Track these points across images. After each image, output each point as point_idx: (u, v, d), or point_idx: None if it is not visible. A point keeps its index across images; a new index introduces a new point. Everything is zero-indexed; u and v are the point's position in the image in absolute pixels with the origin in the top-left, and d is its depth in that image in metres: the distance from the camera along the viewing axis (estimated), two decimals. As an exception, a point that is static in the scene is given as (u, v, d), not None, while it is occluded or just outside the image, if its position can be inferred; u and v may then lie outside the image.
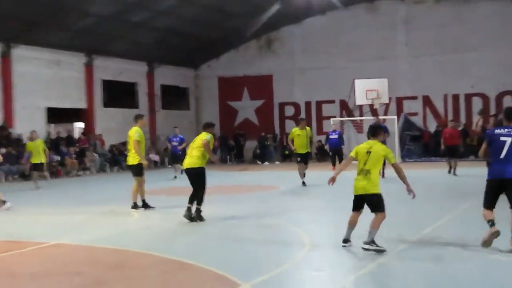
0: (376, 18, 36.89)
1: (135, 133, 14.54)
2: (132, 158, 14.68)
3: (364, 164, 9.13)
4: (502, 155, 9.08)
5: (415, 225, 11.14)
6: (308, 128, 20.58)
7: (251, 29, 35.89)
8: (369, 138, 9.51)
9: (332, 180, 9.46)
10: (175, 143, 24.34)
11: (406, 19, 36.69)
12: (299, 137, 19.74)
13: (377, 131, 9.59)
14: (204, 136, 12.63)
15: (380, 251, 8.72)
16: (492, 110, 34.41)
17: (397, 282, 7.31)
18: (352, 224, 9.23)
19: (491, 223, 8.93)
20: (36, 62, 30.05)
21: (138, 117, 15.40)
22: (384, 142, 11.10)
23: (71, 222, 13.24)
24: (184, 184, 22.44)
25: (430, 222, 11.30)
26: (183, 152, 19.91)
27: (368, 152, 9.15)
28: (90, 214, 14.45)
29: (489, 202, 9.07)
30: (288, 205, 15.40)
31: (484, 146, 9.62)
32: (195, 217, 12.32)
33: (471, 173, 21.24)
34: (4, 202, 15.53)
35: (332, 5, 35.23)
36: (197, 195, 12.39)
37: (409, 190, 9.14)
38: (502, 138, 9.17)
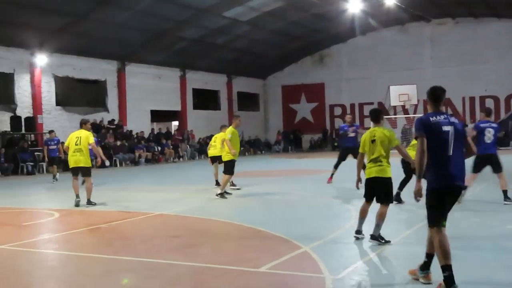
0: (407, 37, 36.24)
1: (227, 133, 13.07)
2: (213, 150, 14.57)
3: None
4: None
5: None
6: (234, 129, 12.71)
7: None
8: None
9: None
10: (52, 147, 18.48)
11: (431, 38, 35.82)
12: (234, 136, 12.54)
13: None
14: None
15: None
16: (502, 110, 33.67)
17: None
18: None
19: None
20: (144, 76, 30.60)
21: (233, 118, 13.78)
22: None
23: (170, 197, 13.36)
24: (254, 168, 22.50)
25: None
26: (60, 153, 18.12)
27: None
28: (184, 191, 14.55)
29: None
30: (338, 185, 14.98)
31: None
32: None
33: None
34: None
35: (371, 27, 34.65)
36: (404, 180, 10.21)
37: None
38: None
